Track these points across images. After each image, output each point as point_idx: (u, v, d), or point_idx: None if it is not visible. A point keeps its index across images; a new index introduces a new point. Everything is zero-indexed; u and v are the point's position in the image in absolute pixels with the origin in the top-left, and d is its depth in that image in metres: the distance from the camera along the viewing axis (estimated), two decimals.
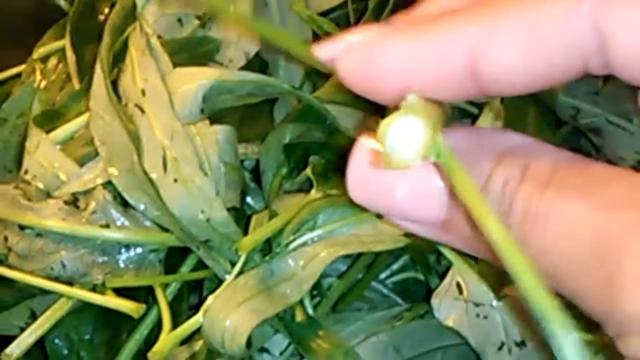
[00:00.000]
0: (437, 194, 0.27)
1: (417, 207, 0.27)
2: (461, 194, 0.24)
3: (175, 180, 0.47)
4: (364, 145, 0.27)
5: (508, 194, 0.25)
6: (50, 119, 0.57)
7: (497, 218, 0.23)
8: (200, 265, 0.52)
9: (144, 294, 0.52)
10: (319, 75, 0.58)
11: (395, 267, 0.56)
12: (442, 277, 0.50)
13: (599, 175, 0.24)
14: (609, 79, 0.56)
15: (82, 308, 0.53)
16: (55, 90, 0.64)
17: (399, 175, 0.27)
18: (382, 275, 0.56)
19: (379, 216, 0.49)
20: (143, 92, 0.49)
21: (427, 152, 0.23)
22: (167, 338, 0.47)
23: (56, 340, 0.53)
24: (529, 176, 0.25)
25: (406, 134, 0.23)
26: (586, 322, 0.27)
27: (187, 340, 0.51)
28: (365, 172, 0.27)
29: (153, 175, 0.47)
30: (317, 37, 0.61)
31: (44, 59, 0.67)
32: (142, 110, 0.49)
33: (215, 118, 0.51)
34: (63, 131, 0.55)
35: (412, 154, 0.23)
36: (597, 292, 0.23)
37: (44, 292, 0.51)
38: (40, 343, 0.53)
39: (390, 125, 0.23)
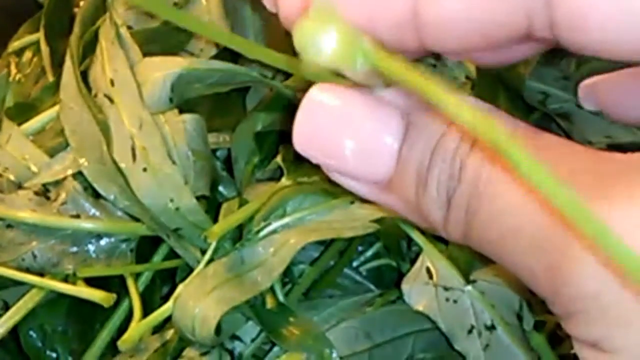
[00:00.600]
0: (385, 152, 0.26)
1: (364, 164, 0.27)
2: (411, 87, 0.22)
3: (144, 170, 0.47)
4: (312, 98, 0.27)
5: (459, 158, 0.25)
6: (23, 112, 0.57)
7: (459, 98, 0.22)
8: (172, 255, 0.53)
9: (116, 285, 0.52)
10: None
11: (369, 254, 0.56)
12: (413, 262, 0.51)
13: (558, 147, 0.24)
14: (580, 64, 0.56)
15: (55, 300, 0.53)
16: (30, 83, 0.64)
17: (347, 131, 0.26)
18: (356, 263, 0.56)
19: (354, 199, 0.49)
20: (112, 82, 0.49)
21: (348, 53, 0.22)
22: (137, 326, 0.47)
23: (30, 332, 0.53)
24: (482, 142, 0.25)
25: (320, 33, 0.22)
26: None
27: (159, 329, 0.51)
28: (313, 126, 0.27)
29: (122, 165, 0.48)
30: None
31: (19, 53, 0.67)
32: (111, 100, 0.49)
33: (186, 108, 0.51)
34: (34, 123, 0.55)
35: (329, 52, 0.22)
36: (545, 269, 0.23)
37: (16, 283, 0.51)
38: (14, 335, 0.53)
39: (302, 28, 0.22)
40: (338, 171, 0.27)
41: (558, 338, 0.52)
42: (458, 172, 0.25)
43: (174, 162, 0.48)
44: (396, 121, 0.26)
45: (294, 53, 0.57)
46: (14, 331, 0.53)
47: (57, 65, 0.60)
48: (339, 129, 0.26)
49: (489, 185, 0.24)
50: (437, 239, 0.51)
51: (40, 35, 0.64)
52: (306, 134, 0.27)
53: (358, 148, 0.26)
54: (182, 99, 0.49)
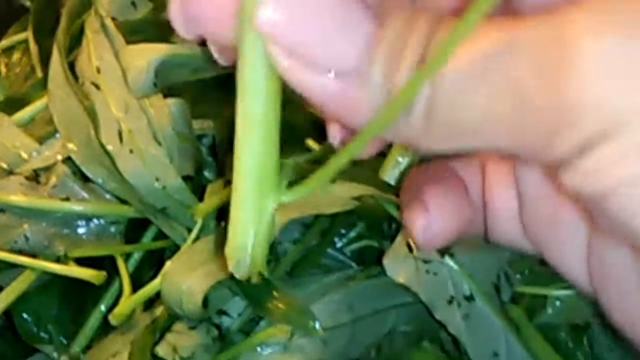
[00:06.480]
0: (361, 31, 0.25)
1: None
2: None
3: (131, 151, 0.49)
4: None
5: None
6: (14, 105, 0.59)
7: None
8: (161, 238, 0.54)
9: (107, 269, 0.54)
10: None
11: (352, 235, 0.58)
12: (393, 240, 0.52)
13: None
14: None
15: (48, 284, 0.54)
16: (20, 81, 0.66)
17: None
18: (339, 244, 0.57)
19: (335, 179, 0.51)
20: (98, 70, 0.51)
21: None
22: (127, 301, 0.49)
23: (24, 316, 0.54)
24: None
25: None
26: None
27: (149, 307, 0.53)
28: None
29: (109, 147, 0.49)
30: None
31: (9, 54, 0.69)
32: (97, 87, 0.51)
33: (171, 95, 0.53)
34: (25, 113, 0.57)
35: None
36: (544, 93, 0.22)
37: (10, 266, 0.52)
38: (10, 324, 0.55)
39: None
40: (307, 58, 0.25)
41: (535, 310, 0.54)
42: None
43: (159, 144, 0.49)
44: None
45: None
46: (10, 320, 0.55)
47: (46, 62, 0.62)
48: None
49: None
50: None
51: (28, 34, 0.66)
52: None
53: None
54: (166, 84, 0.51)
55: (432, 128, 0.24)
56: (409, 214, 0.33)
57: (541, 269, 0.55)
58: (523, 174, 0.31)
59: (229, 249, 0.24)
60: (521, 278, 0.54)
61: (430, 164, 0.34)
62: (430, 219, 0.32)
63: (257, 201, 0.23)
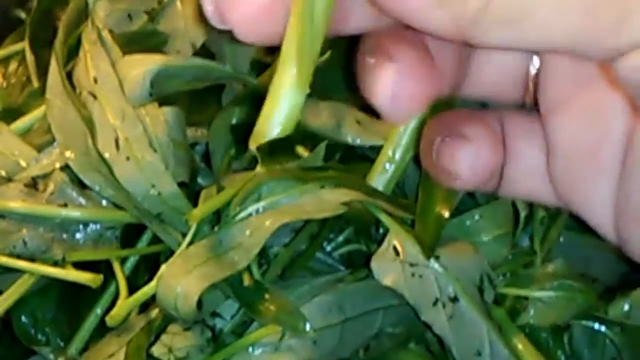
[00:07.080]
0: None
1: None
2: None
3: (128, 159, 0.51)
4: None
5: None
6: (11, 115, 0.61)
7: None
8: (155, 243, 0.56)
9: (103, 273, 0.55)
10: (262, 65, 0.62)
11: (340, 239, 0.59)
12: (380, 244, 0.54)
13: None
14: None
15: (46, 288, 0.56)
16: (16, 92, 0.68)
17: None
18: (328, 248, 0.59)
19: (325, 184, 0.52)
20: (95, 80, 0.53)
21: None
22: (124, 303, 0.51)
23: (22, 319, 0.56)
24: None
25: None
26: None
27: (144, 310, 0.54)
28: None
29: (106, 155, 0.51)
30: None
31: (5, 64, 0.71)
32: (94, 97, 0.53)
33: (166, 103, 0.54)
34: (23, 122, 0.58)
35: None
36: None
37: (9, 270, 0.54)
38: (8, 328, 0.57)
39: None
40: None
41: (517, 311, 0.56)
42: None
43: (155, 151, 0.51)
44: None
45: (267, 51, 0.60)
46: (8, 323, 0.56)
47: (42, 72, 0.64)
48: None
49: None
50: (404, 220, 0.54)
51: (25, 44, 0.68)
52: None
53: None
54: (161, 94, 0.52)
55: (489, 13, 0.24)
56: (450, 149, 0.34)
57: (523, 272, 0.57)
58: (556, 125, 0.31)
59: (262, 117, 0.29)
60: (504, 280, 0.56)
61: (448, 113, 0.35)
62: (475, 150, 0.34)
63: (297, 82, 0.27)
